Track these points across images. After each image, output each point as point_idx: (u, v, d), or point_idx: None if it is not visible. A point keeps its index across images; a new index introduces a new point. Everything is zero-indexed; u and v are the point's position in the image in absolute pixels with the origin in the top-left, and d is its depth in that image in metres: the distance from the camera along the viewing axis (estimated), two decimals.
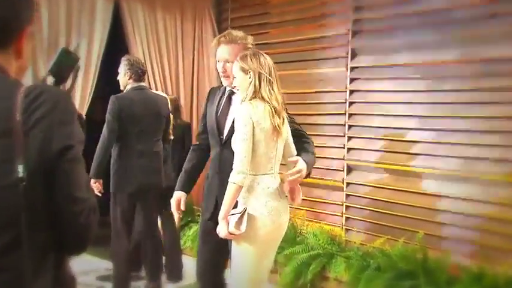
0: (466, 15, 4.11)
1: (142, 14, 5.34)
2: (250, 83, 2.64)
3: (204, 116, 3.02)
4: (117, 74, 4.23)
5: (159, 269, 4.37)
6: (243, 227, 2.56)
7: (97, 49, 4.94)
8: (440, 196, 4.21)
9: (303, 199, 2.82)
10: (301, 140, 2.86)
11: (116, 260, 4.20)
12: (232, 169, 2.58)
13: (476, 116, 4.04)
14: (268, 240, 2.69)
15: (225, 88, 2.94)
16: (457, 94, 4.18)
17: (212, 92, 3.06)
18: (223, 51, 2.85)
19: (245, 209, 2.58)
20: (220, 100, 2.92)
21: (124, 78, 4.15)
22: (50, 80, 1.37)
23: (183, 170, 3.08)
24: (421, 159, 4.35)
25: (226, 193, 2.58)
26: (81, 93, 4.86)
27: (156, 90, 5.21)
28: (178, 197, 2.97)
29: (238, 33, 2.88)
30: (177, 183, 3.05)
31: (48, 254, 1.22)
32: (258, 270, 2.68)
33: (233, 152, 2.62)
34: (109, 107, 4.01)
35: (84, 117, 4.05)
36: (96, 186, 4.02)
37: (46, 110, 1.17)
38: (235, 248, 2.67)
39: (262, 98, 2.63)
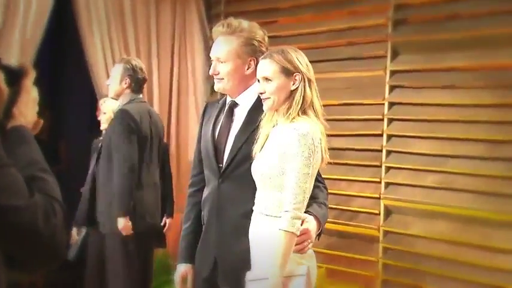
0: None
1: None
2: (295, 90, 2.50)
3: (199, 141, 2.91)
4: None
5: None
6: None
7: (33, 43, 4.62)
8: None
9: (322, 253, 2.82)
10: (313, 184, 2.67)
11: None
12: (237, 210, 2.62)
13: None
14: None
15: (225, 100, 2.82)
16: None
17: (208, 108, 2.97)
18: (217, 45, 2.76)
19: (308, 268, 2.50)
20: (218, 116, 2.81)
21: (119, 86, 4.12)
22: None
23: (182, 232, 2.97)
24: (491, 200, 4.17)
25: (281, 247, 2.44)
26: None
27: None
28: (182, 272, 2.88)
29: (241, 22, 2.76)
30: (179, 251, 2.97)
31: None
32: None
33: (237, 186, 2.64)
34: (122, 127, 3.99)
35: None
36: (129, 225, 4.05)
37: None
38: None
39: (314, 114, 2.53)
